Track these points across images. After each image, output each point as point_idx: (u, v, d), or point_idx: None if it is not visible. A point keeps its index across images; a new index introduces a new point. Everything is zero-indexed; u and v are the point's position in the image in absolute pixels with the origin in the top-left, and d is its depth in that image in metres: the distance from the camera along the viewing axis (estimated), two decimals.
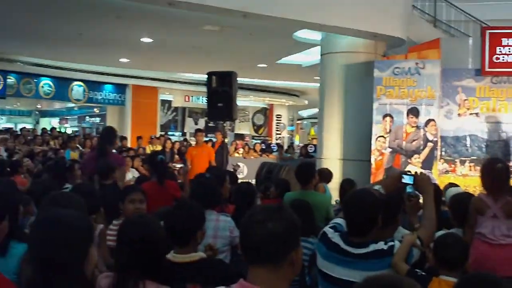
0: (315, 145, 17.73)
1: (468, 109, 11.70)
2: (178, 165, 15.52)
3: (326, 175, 8.78)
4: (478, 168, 9.26)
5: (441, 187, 7.16)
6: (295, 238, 2.24)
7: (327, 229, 3.71)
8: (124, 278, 3.02)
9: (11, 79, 22.28)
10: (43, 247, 2.22)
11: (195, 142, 13.30)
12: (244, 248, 2.21)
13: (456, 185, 7.92)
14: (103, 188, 6.76)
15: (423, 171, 11.01)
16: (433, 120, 11.55)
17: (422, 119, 11.59)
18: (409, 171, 4.21)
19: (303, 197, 5.94)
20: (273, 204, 2.45)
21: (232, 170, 9.60)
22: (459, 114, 11.75)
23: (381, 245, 3.54)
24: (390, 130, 11.70)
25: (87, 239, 2.36)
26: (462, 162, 11.73)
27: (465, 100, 11.69)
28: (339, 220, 3.81)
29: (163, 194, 6.37)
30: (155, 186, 6.63)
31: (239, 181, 11.92)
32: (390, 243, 3.56)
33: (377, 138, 11.86)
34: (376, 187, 4.02)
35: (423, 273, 3.73)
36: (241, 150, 19.80)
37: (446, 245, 3.78)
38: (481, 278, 2.68)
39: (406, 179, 4.05)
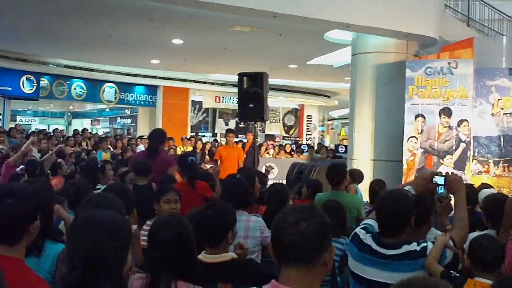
0: (345, 146, 17.66)
1: (502, 108, 11.52)
2: (209, 166, 15.56)
3: (357, 176, 8.71)
4: None
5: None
6: (327, 238, 2.23)
7: (358, 230, 3.68)
8: (156, 279, 3.03)
9: (44, 81, 22.59)
10: (86, 248, 2.23)
11: (225, 143, 13.35)
12: (277, 248, 2.19)
13: (490, 186, 7.81)
14: (136, 188, 6.80)
15: (454, 171, 10.92)
16: (466, 120, 11.41)
17: (454, 119, 11.46)
18: (440, 172, 4.16)
19: (334, 198, 5.90)
20: (305, 204, 2.44)
21: (264, 171, 9.54)
22: (492, 114, 11.58)
23: (414, 246, 3.51)
24: (422, 131, 11.59)
25: (128, 241, 2.37)
26: (496, 163, 11.56)
27: (499, 99, 11.52)
28: (370, 221, 3.78)
29: (194, 196, 6.33)
30: (186, 187, 6.57)
31: (270, 181, 11.94)
32: (423, 244, 3.52)
33: (408, 139, 11.76)
34: (407, 187, 3.98)
35: (457, 275, 3.68)
36: (271, 151, 19.77)
37: (481, 247, 3.70)
38: None
39: (437, 180, 4.00)
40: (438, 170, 4.06)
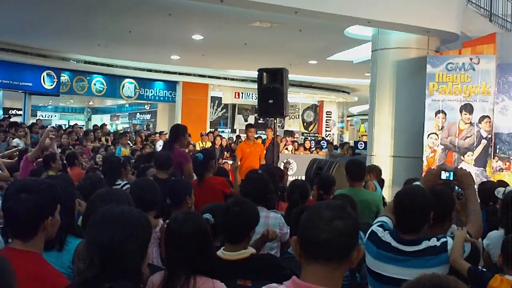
0: (365, 142, 17.57)
1: None
2: (229, 162, 15.55)
3: (377, 172, 8.61)
4: None
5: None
6: (357, 236, 2.25)
7: (375, 228, 3.65)
8: (174, 274, 3.04)
9: (64, 77, 22.72)
10: (104, 244, 2.23)
11: (246, 138, 12.68)
12: (307, 245, 2.17)
13: (506, 184, 7.70)
14: (157, 181, 6.78)
15: (474, 168, 10.84)
16: (487, 116, 11.31)
17: (476, 116, 11.37)
18: (446, 167, 4.14)
19: (352, 194, 5.85)
20: (337, 202, 2.44)
21: (283, 167, 9.43)
22: None
23: (433, 242, 3.50)
24: (442, 127, 11.50)
25: (148, 237, 2.36)
26: None
27: None
28: (384, 218, 3.76)
29: (203, 193, 6.27)
30: (196, 184, 6.51)
31: (289, 177, 11.91)
32: (443, 239, 3.51)
33: (429, 135, 11.69)
34: (416, 183, 3.97)
35: (485, 270, 3.66)
36: (290, 147, 19.74)
37: None
38: None
39: (445, 175, 3.98)
40: (443, 166, 3.98)
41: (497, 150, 11.49)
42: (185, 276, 3.02)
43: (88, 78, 23.47)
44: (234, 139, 21.56)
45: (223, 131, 26.89)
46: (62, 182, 3.82)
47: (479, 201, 4.03)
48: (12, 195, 2.60)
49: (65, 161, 9.43)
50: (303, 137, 27.11)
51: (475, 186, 5.93)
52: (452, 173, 3.98)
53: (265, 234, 3.87)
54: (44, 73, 21.86)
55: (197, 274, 3.04)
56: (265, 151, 12.65)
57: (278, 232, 4.64)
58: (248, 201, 3.95)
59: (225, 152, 18.08)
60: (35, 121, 19.42)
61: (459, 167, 4.13)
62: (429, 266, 3.39)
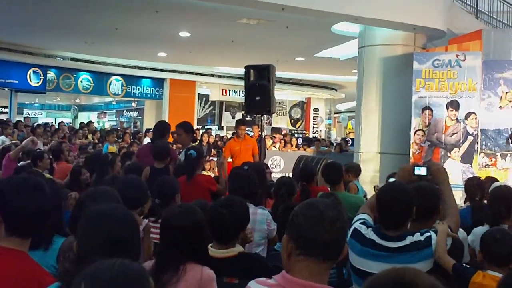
0: (352, 139, 17.62)
1: (510, 101, 11.47)
2: (214, 159, 15.52)
3: (356, 170, 8.47)
4: None
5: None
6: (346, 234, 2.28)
7: (358, 225, 3.63)
8: (165, 263, 3.09)
9: (51, 74, 22.62)
10: (94, 243, 2.21)
11: (236, 136, 11.48)
12: (309, 243, 2.17)
13: (495, 180, 7.74)
14: (154, 171, 6.91)
15: (462, 164, 10.90)
16: (473, 113, 11.38)
17: (462, 112, 11.42)
18: (420, 164, 4.17)
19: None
20: (328, 200, 2.45)
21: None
22: (500, 107, 11.53)
23: (417, 237, 3.50)
24: (429, 123, 11.55)
25: (138, 233, 2.35)
26: (503, 156, 11.51)
27: (507, 92, 11.47)
28: (364, 216, 3.75)
29: (190, 190, 6.26)
30: (184, 180, 6.49)
31: (277, 175, 11.89)
32: (426, 234, 3.52)
33: (415, 132, 11.73)
34: (391, 180, 3.99)
35: (468, 267, 3.68)
36: (277, 144, 19.73)
37: (495, 241, 3.69)
38: None
39: (419, 171, 4.00)
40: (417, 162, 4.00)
41: (483, 146, 11.56)
42: (175, 264, 3.08)
43: (74, 75, 23.38)
44: (222, 136, 21.52)
45: (210, 128, 26.85)
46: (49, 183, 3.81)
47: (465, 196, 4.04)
48: (25, 192, 2.56)
49: (50, 156, 9.37)
50: (290, 134, 27.13)
51: (463, 182, 5.96)
52: (425, 168, 4.00)
53: (244, 237, 3.84)
54: (30, 71, 21.76)
55: (187, 261, 3.10)
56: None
57: (266, 228, 4.64)
58: (239, 200, 3.91)
59: (212, 150, 18.04)
60: (21, 119, 19.31)
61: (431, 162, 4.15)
62: (413, 261, 3.39)
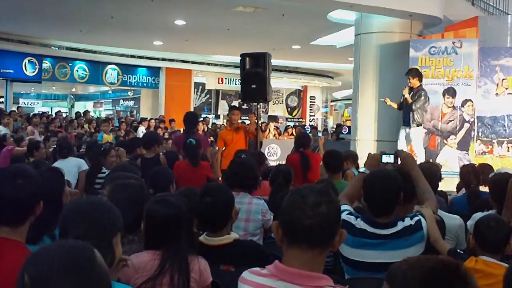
0: (349, 127, 17.60)
1: (506, 88, 11.45)
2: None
3: (354, 158, 8.48)
4: None
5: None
6: (340, 221, 2.25)
7: (346, 216, 3.60)
8: (167, 254, 3.05)
9: (46, 64, 22.56)
10: (76, 231, 2.19)
11: (228, 123, 10.87)
12: (291, 230, 2.15)
13: (490, 167, 7.74)
14: (144, 160, 7.07)
15: (458, 152, 10.90)
16: (470, 100, 11.37)
17: (458, 99, 11.42)
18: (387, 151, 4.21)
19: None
20: (319, 186, 2.43)
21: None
22: (496, 94, 11.52)
23: (408, 221, 3.52)
24: (426, 111, 11.53)
25: (117, 228, 2.32)
26: (500, 143, 11.51)
27: (504, 79, 11.45)
28: (347, 207, 3.74)
29: (197, 174, 6.51)
30: (189, 166, 6.83)
31: (273, 163, 11.87)
32: (416, 218, 3.54)
33: None
34: (361, 169, 4.01)
35: (462, 252, 3.71)
36: (273, 132, 19.70)
37: (489, 228, 3.70)
38: None
39: (386, 159, 4.06)
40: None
41: (480, 134, 11.55)
42: (180, 255, 3.04)
43: (70, 64, 23.33)
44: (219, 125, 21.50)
45: (207, 117, 26.82)
46: (49, 172, 3.79)
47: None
48: (5, 180, 2.56)
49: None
50: (286, 123, 27.11)
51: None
52: (393, 156, 4.04)
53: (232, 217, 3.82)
54: (26, 60, 21.71)
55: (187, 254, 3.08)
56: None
57: (260, 219, 4.62)
58: (220, 186, 3.92)
59: (209, 138, 18.01)
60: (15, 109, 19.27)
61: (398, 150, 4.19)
62: (407, 246, 3.43)
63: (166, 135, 15.95)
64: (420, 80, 10.65)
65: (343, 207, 3.67)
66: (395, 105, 11.03)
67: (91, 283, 1.50)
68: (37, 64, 22.07)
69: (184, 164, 6.99)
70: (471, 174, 6.36)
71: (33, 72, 22.07)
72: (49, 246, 1.55)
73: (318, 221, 2.11)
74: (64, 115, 22.46)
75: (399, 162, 4.03)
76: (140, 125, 18.56)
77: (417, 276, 1.55)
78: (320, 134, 19.36)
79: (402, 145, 10.83)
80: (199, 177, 6.42)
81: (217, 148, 10.25)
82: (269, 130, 19.14)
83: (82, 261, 1.52)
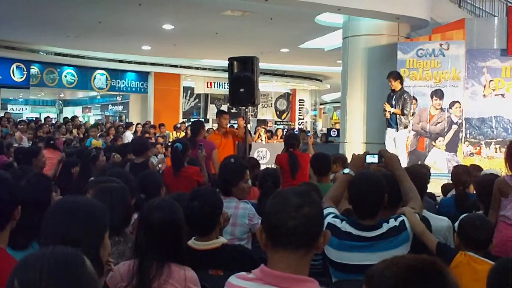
0: (338, 130, 17.65)
1: (493, 90, 11.53)
2: None
3: (343, 161, 8.50)
4: (504, 150, 9.13)
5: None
6: (323, 222, 2.26)
7: (332, 220, 3.61)
8: (147, 262, 3.01)
9: (34, 69, 22.48)
10: (57, 233, 2.18)
11: (216, 128, 10.94)
12: (275, 233, 2.14)
13: (479, 168, 7.78)
14: (133, 165, 7.07)
15: (446, 153, 10.93)
16: (457, 102, 11.42)
17: (446, 101, 11.47)
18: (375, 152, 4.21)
19: (322, 190, 5.78)
20: (301, 187, 2.42)
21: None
22: (484, 95, 11.60)
23: (393, 222, 3.55)
24: (414, 113, 11.56)
25: (102, 226, 2.31)
26: (488, 144, 11.58)
27: (491, 81, 11.53)
28: (332, 209, 3.74)
29: (178, 182, 6.42)
30: (171, 173, 6.74)
31: (263, 166, 11.86)
32: (400, 219, 3.57)
33: None
34: (346, 170, 4.01)
35: (452, 247, 3.82)
36: (263, 136, 19.73)
37: (474, 227, 3.76)
38: None
39: (371, 159, 4.06)
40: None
41: (468, 135, 11.63)
42: (158, 264, 2.99)
43: (58, 70, 23.27)
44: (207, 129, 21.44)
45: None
46: (36, 178, 3.77)
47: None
48: None
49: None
50: (276, 126, 27.13)
51: (448, 171, 5.99)
52: (377, 156, 4.04)
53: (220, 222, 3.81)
54: (14, 66, 21.60)
55: (169, 262, 3.02)
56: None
57: (247, 223, 4.59)
58: (209, 191, 3.92)
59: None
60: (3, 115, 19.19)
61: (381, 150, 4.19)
62: (393, 247, 3.44)
63: (153, 140, 15.94)
64: (402, 83, 10.71)
65: (328, 210, 3.69)
66: (398, 111, 10.90)
67: None
68: (25, 70, 21.97)
69: (168, 171, 6.93)
70: (465, 175, 6.35)
71: (21, 78, 21.96)
72: (40, 252, 1.56)
73: (302, 222, 2.10)
74: (53, 120, 22.44)
75: (383, 162, 4.05)
76: (127, 130, 18.48)
77: (393, 274, 1.54)
78: (309, 134, 19.40)
79: (390, 147, 10.87)
80: (184, 184, 6.29)
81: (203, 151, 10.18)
82: (259, 134, 19.17)
83: (72, 268, 1.53)
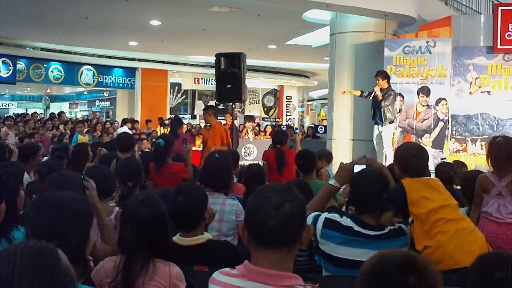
0: (325, 126, 17.66)
1: (479, 87, 11.59)
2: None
3: (328, 157, 8.51)
4: None
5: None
6: (305, 217, 2.24)
7: (330, 215, 3.62)
8: (132, 259, 3.00)
9: (20, 64, 22.33)
10: (43, 228, 2.18)
11: (204, 123, 11.63)
12: (258, 231, 2.14)
13: (464, 164, 7.83)
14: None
15: (432, 150, 10.99)
16: (444, 99, 11.47)
17: (433, 98, 11.51)
18: (364, 157, 4.24)
19: None
20: (282, 184, 2.41)
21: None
22: (470, 93, 11.65)
23: (392, 227, 3.67)
24: (400, 110, 11.61)
25: (88, 222, 2.31)
26: (474, 141, 11.65)
27: (477, 78, 11.59)
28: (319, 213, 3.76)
29: (161, 179, 6.50)
30: (153, 170, 6.79)
31: (249, 162, 11.88)
32: (398, 225, 3.73)
33: None
34: (331, 181, 3.94)
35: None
36: (251, 133, 19.71)
37: (413, 156, 4.00)
38: (498, 256, 2.67)
39: (359, 169, 3.95)
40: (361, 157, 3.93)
41: (454, 132, 11.69)
42: (143, 260, 2.98)
43: (45, 65, 23.11)
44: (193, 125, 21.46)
45: (183, 117, 26.75)
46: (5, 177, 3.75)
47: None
48: None
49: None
50: (263, 122, 27.13)
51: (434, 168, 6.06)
52: (365, 166, 4.00)
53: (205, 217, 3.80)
54: (0, 61, 21.45)
55: (154, 258, 3.01)
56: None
57: (234, 220, 4.59)
58: (193, 186, 3.91)
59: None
60: None
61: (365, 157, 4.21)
62: (393, 247, 3.44)
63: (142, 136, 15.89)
64: (388, 82, 10.75)
65: (315, 213, 3.69)
66: (357, 92, 11.25)
67: (54, 284, 1.49)
68: (11, 65, 21.82)
69: (152, 167, 6.88)
70: (449, 172, 6.34)
71: (7, 73, 21.82)
72: (12, 247, 1.54)
73: (283, 221, 2.10)
74: (40, 116, 22.33)
75: None
76: (124, 125, 18.32)
77: (369, 269, 1.57)
78: (297, 131, 19.41)
79: (378, 144, 10.93)
80: (168, 180, 6.28)
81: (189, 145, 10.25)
82: (246, 131, 19.16)
83: (45, 262, 1.51)
